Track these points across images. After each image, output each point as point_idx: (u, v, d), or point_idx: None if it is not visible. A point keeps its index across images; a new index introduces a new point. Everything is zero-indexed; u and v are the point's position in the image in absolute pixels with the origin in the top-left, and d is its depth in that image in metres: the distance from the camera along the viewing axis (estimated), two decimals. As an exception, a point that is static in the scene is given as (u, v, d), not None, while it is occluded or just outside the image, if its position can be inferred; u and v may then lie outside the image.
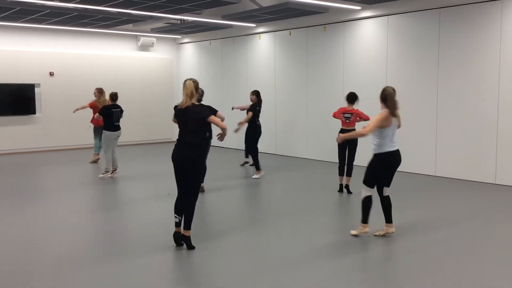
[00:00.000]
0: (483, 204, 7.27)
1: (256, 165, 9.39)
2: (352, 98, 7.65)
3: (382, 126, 5.44)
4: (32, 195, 8.02)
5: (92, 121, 10.83)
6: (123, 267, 4.71)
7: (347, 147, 7.73)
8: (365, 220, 5.57)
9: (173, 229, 5.22)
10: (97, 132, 10.78)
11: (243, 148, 10.42)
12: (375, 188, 5.57)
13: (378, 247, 5.30)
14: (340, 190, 7.91)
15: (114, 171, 9.47)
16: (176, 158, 5.05)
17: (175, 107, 5.25)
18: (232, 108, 10.89)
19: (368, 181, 5.51)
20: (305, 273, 4.49)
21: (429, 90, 9.34)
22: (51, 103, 13.44)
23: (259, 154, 9.56)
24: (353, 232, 5.62)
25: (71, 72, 13.71)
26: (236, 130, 9.00)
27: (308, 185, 8.74)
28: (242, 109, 10.43)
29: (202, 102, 7.31)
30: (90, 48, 14.12)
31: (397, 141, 5.58)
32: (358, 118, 7.64)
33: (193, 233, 5.23)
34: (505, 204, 7.26)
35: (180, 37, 15.52)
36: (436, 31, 9.15)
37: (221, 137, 5.23)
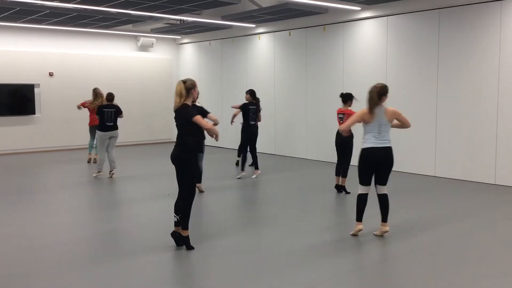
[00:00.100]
0: (482, 204, 7.26)
1: (242, 165, 9.43)
2: (344, 98, 7.67)
3: (358, 122, 5.52)
4: (31, 195, 8.01)
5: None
6: (122, 267, 4.70)
7: (341, 148, 7.77)
8: (358, 218, 5.58)
9: (172, 229, 5.24)
10: (92, 131, 10.85)
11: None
12: (371, 186, 5.55)
13: (374, 247, 5.29)
14: (337, 190, 7.94)
15: (111, 172, 9.46)
16: (171, 158, 5.17)
17: None
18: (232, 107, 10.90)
19: (358, 178, 5.54)
20: (302, 273, 4.49)
21: (429, 90, 9.35)
22: (50, 104, 13.44)
23: (257, 154, 9.55)
24: (351, 232, 5.63)
25: (71, 72, 13.72)
26: (231, 122, 9.75)
27: (306, 185, 8.74)
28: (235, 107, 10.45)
29: (198, 103, 7.34)
30: (89, 48, 14.12)
31: (390, 139, 5.46)
32: None
33: (191, 233, 5.24)
34: (504, 204, 7.25)
35: (179, 37, 15.52)
36: (435, 32, 9.16)
37: (215, 138, 5.24)
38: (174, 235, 5.20)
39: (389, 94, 10.09)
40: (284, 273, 4.51)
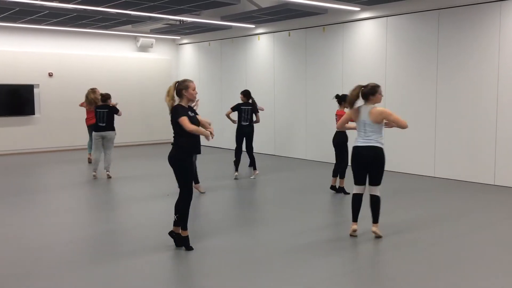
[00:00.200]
0: (481, 205, 7.26)
1: (235, 166, 9.43)
2: (340, 100, 7.70)
3: (348, 120, 5.70)
4: (30, 196, 8.01)
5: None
6: (121, 267, 4.70)
7: (337, 149, 7.79)
8: (352, 218, 5.61)
9: (170, 229, 5.26)
10: (89, 131, 10.91)
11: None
12: (365, 186, 5.55)
13: (372, 247, 5.29)
14: (335, 191, 7.96)
15: (106, 173, 9.46)
16: (168, 158, 5.22)
17: None
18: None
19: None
20: (301, 273, 4.49)
21: (428, 91, 9.35)
22: (50, 104, 13.44)
23: (254, 155, 9.52)
24: (350, 232, 5.64)
25: (70, 73, 13.71)
26: (234, 122, 9.57)
27: (304, 186, 8.74)
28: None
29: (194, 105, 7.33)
30: (89, 49, 14.12)
31: (379, 139, 5.43)
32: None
33: (189, 233, 5.24)
34: (503, 204, 7.25)
35: (179, 38, 15.52)
36: (435, 32, 9.16)
37: (206, 138, 5.23)
38: (172, 234, 5.24)
39: (389, 95, 10.16)
40: (282, 273, 4.51)
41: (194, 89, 5.16)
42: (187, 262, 4.92)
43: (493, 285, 4.28)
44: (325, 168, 10.17)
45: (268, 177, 9.61)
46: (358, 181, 5.52)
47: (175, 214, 5.18)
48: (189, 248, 5.14)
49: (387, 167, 10.10)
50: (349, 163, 5.93)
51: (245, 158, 9.78)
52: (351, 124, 6.05)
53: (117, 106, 9.64)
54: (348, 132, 7.55)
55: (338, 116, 7.55)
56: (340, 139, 7.74)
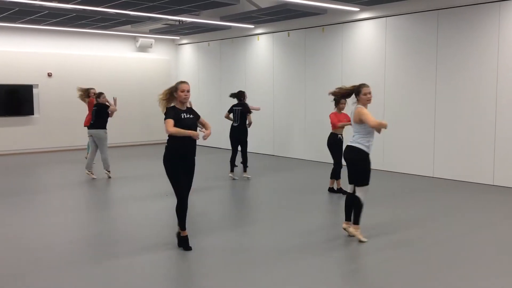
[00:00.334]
0: (480, 205, 7.27)
1: (230, 166, 9.43)
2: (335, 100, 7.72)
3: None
4: (30, 196, 8.01)
5: None
6: (121, 267, 4.70)
7: (329, 149, 7.82)
8: (345, 217, 5.65)
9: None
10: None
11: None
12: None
13: (370, 247, 5.29)
14: (334, 193, 7.97)
15: (106, 172, 9.44)
16: None
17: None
18: None
19: None
20: (299, 274, 4.49)
21: (427, 91, 9.36)
22: (49, 104, 13.43)
23: (247, 156, 9.45)
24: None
25: (69, 73, 13.71)
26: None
27: (303, 186, 8.74)
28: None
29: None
30: (88, 49, 14.12)
31: (357, 139, 5.44)
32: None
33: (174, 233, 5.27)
34: (502, 205, 7.26)
35: (178, 38, 15.52)
36: (434, 33, 9.17)
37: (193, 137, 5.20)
38: (177, 235, 5.28)
39: (388, 95, 10.17)
40: (280, 273, 4.51)
41: (183, 91, 5.07)
42: (185, 262, 4.92)
43: (493, 285, 4.28)
44: (323, 169, 10.17)
45: (267, 177, 9.61)
46: (349, 180, 5.59)
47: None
48: (187, 248, 5.14)
49: (385, 167, 10.17)
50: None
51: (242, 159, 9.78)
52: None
53: (115, 104, 9.56)
54: (345, 132, 7.58)
55: (330, 118, 7.60)
56: (330, 140, 7.78)
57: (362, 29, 10.39)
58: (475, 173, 8.77)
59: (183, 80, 5.35)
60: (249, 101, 11.00)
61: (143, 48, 15.17)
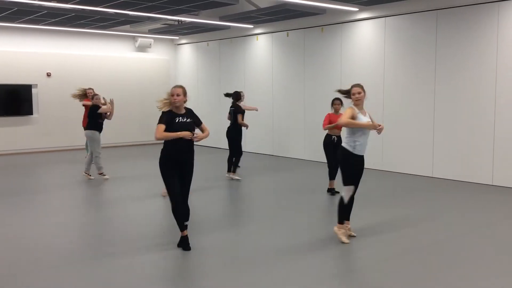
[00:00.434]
0: (479, 205, 7.27)
1: (228, 167, 9.45)
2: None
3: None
4: (29, 196, 8.00)
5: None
6: (121, 266, 4.70)
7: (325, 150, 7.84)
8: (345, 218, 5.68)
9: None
10: None
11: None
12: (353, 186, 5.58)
13: (368, 247, 5.30)
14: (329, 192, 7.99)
15: (98, 174, 9.42)
16: None
17: None
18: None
19: None
20: (298, 274, 4.49)
21: (426, 91, 9.36)
22: (48, 104, 13.42)
23: (233, 158, 9.39)
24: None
25: (68, 73, 13.70)
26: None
27: (302, 186, 8.74)
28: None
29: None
30: (87, 49, 14.11)
31: (345, 139, 5.48)
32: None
33: (174, 233, 5.26)
34: (501, 205, 7.27)
35: (177, 38, 15.52)
36: (433, 33, 9.18)
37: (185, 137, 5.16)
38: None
39: (387, 95, 10.18)
40: (278, 273, 4.51)
41: (172, 95, 5.05)
42: (185, 261, 4.92)
43: (492, 285, 4.29)
44: (322, 169, 10.15)
45: (266, 177, 9.62)
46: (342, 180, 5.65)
47: None
48: (186, 248, 5.14)
49: (384, 167, 10.18)
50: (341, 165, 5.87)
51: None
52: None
53: (111, 106, 9.49)
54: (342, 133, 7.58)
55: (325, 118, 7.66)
56: (324, 141, 7.82)
57: (361, 29, 10.40)
58: (474, 173, 8.78)
59: (178, 83, 5.35)
60: (248, 101, 11.04)
61: (142, 48, 15.17)
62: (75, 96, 10.21)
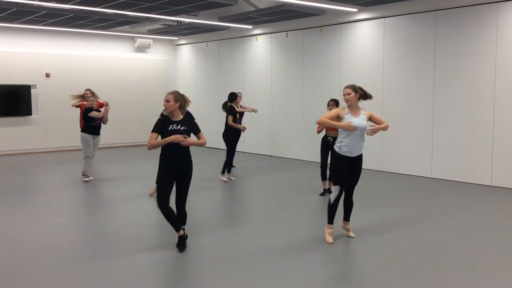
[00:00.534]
0: (478, 205, 7.29)
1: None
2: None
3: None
4: (28, 196, 7.99)
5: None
6: (120, 266, 4.71)
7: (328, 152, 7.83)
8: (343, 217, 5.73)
9: (168, 229, 5.26)
10: None
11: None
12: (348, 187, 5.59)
13: (367, 248, 5.31)
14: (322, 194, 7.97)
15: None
16: None
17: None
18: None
19: None
20: (297, 274, 4.50)
21: (425, 91, 9.38)
22: (47, 104, 13.41)
23: (226, 159, 9.27)
24: (352, 234, 5.66)
25: (67, 73, 13.69)
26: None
27: (301, 186, 8.74)
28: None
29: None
30: (86, 49, 14.10)
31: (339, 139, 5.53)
32: None
33: (173, 234, 5.28)
34: (501, 205, 7.28)
35: (176, 38, 15.52)
36: (432, 34, 9.19)
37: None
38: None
39: (386, 95, 10.19)
40: (281, 273, 4.52)
41: (164, 101, 5.03)
42: (184, 261, 4.93)
43: (492, 285, 4.29)
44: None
45: (265, 178, 9.62)
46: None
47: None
48: (180, 248, 5.13)
49: (384, 167, 10.19)
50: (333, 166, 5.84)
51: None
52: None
53: (106, 110, 9.42)
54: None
55: None
56: (321, 142, 7.84)
57: (360, 30, 10.41)
58: (473, 173, 8.80)
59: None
60: (247, 102, 11.04)
61: (141, 49, 15.17)
62: (75, 97, 10.17)
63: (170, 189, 5.08)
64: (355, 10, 10.10)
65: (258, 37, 12.85)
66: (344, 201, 5.59)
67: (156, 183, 5.21)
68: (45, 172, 10.64)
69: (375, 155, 10.22)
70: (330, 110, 7.62)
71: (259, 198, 8.10)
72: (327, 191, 7.87)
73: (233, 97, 9.23)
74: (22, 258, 4.99)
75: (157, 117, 5.11)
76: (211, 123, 13.09)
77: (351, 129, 5.24)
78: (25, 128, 13.18)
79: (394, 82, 9.88)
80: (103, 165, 11.23)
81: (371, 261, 4.91)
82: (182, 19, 11.73)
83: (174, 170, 5.07)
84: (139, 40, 14.73)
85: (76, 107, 10.33)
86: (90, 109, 9.05)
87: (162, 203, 5.03)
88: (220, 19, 11.41)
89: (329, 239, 5.42)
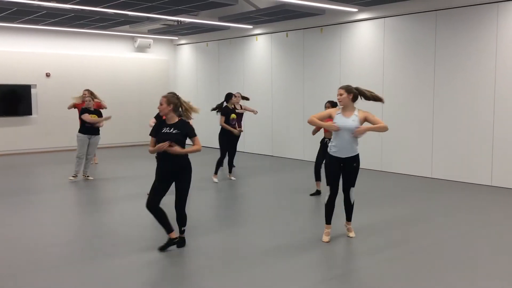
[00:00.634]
0: (478, 206, 7.29)
1: (229, 168, 9.44)
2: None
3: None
4: (28, 196, 7.98)
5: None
6: (121, 266, 4.71)
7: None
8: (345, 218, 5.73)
9: (162, 229, 5.27)
10: None
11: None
12: (342, 188, 5.57)
13: (367, 249, 5.31)
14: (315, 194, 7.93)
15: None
16: None
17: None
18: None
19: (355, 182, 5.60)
20: (296, 275, 4.50)
21: (426, 91, 9.38)
22: (47, 104, 13.41)
23: (218, 161, 9.33)
24: (352, 234, 5.66)
25: (68, 73, 13.70)
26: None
27: (301, 186, 8.73)
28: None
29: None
30: (86, 49, 14.10)
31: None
32: None
33: (163, 235, 5.31)
34: (501, 205, 7.28)
35: (177, 38, 15.52)
36: (432, 34, 9.19)
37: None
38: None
39: (386, 95, 10.20)
40: (280, 272, 4.52)
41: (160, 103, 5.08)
42: (184, 261, 4.94)
43: (492, 285, 4.29)
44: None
45: (265, 178, 9.63)
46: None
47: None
48: (162, 248, 5.13)
49: (384, 167, 10.20)
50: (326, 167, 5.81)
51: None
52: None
53: (104, 108, 9.43)
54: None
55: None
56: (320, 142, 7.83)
57: (361, 30, 10.41)
58: (473, 173, 8.80)
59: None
60: (247, 102, 11.03)
61: (141, 49, 15.17)
62: (77, 99, 10.19)
63: (161, 191, 5.08)
64: (355, 10, 10.09)
65: (258, 37, 12.85)
66: (343, 201, 5.59)
67: (152, 186, 5.22)
68: (45, 172, 10.64)
69: (375, 155, 10.22)
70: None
71: (259, 198, 8.10)
72: (316, 192, 7.86)
73: (228, 97, 9.20)
74: (22, 258, 4.99)
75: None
76: (211, 123, 13.08)
77: (333, 129, 5.26)
78: (25, 128, 13.18)
79: (394, 82, 9.88)
80: (103, 165, 11.23)
81: (371, 261, 4.91)
82: (182, 19, 11.73)
83: (170, 172, 5.07)
84: (139, 40, 14.72)
85: (73, 108, 10.34)
86: (86, 110, 9.06)
87: (149, 204, 5.05)
88: (220, 19, 11.41)
89: (325, 238, 5.43)
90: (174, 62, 15.95)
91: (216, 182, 8.99)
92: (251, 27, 12.47)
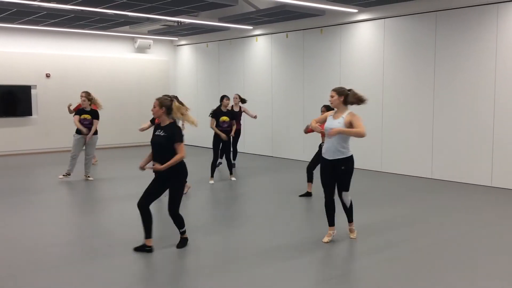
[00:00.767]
0: (478, 206, 7.29)
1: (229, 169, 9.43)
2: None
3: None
4: (28, 196, 7.98)
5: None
6: (118, 267, 4.71)
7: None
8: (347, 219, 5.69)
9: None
10: None
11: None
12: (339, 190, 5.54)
13: (367, 249, 5.31)
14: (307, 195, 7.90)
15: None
16: None
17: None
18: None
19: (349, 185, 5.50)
20: (291, 275, 4.50)
21: (426, 92, 9.38)
22: (47, 105, 13.42)
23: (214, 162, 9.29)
24: (352, 236, 5.65)
25: (68, 74, 13.70)
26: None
27: (300, 187, 8.73)
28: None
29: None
30: (86, 50, 14.11)
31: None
32: None
33: (162, 236, 5.27)
34: (501, 206, 7.28)
35: (177, 39, 15.53)
36: (432, 34, 9.20)
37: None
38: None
39: (386, 96, 10.19)
40: (280, 272, 4.52)
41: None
42: (183, 261, 4.94)
43: (492, 285, 4.29)
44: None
45: (265, 178, 9.63)
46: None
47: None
48: (136, 248, 5.14)
49: (384, 168, 10.19)
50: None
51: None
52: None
53: (100, 111, 9.41)
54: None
55: None
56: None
57: (360, 31, 10.42)
58: (473, 174, 8.80)
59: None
60: (247, 103, 11.04)
61: (141, 49, 15.17)
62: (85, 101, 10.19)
63: (153, 192, 5.14)
64: (355, 10, 10.10)
65: (258, 37, 12.85)
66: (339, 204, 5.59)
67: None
68: (45, 172, 10.63)
69: (375, 155, 10.22)
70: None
71: (259, 198, 8.10)
72: (306, 194, 7.85)
73: (220, 100, 9.23)
74: (22, 258, 4.99)
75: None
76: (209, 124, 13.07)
77: (317, 130, 5.35)
78: (25, 128, 13.18)
79: (394, 83, 9.88)
80: (102, 165, 11.24)
81: (371, 261, 4.91)
82: (182, 20, 11.74)
83: (163, 176, 5.08)
84: (139, 40, 14.73)
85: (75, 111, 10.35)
86: (82, 110, 9.13)
87: (140, 203, 5.14)
88: (220, 20, 11.42)
89: (325, 239, 5.45)
90: (174, 63, 15.96)
91: (212, 183, 8.98)
92: (251, 27, 12.48)
